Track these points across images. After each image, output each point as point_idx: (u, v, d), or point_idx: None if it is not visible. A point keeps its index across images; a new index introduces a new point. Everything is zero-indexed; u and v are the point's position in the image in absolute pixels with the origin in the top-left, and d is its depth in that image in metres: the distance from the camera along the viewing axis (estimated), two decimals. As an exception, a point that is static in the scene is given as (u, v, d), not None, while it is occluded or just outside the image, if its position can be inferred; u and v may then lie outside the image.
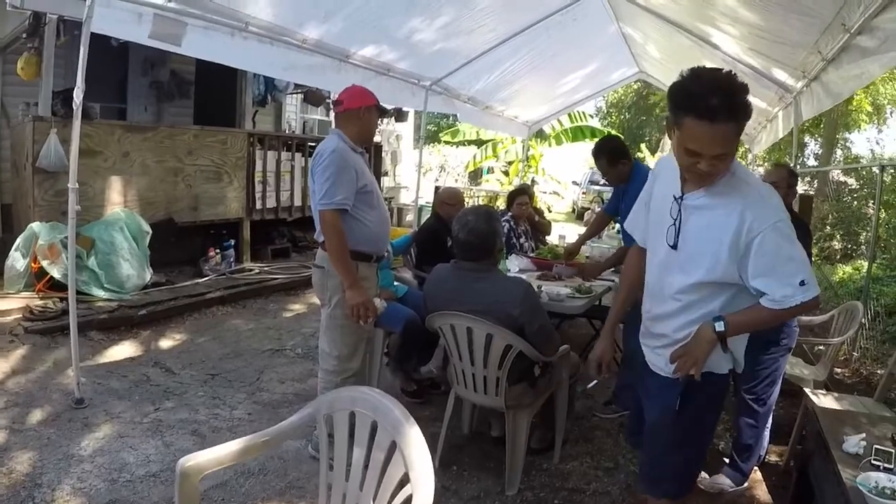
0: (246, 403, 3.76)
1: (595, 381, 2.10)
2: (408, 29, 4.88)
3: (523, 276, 4.03)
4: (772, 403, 3.04)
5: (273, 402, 3.81)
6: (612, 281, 4.26)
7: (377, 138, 10.25)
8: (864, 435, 2.05)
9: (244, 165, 7.10)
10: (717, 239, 1.70)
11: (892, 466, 1.91)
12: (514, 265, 4.39)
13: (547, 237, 5.98)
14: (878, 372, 5.13)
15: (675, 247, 1.80)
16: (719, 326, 1.76)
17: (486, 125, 8.51)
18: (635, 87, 23.77)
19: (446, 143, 15.49)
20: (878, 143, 16.81)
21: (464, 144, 15.30)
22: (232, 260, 6.75)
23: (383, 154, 9.72)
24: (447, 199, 4.47)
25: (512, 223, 5.08)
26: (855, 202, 11.20)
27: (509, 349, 2.68)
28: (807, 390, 3.21)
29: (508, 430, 2.87)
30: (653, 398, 2.00)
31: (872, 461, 1.93)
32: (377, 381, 3.75)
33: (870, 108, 14.80)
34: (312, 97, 9.05)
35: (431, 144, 20.57)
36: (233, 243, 6.83)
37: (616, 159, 3.61)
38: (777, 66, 4.56)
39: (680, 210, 1.78)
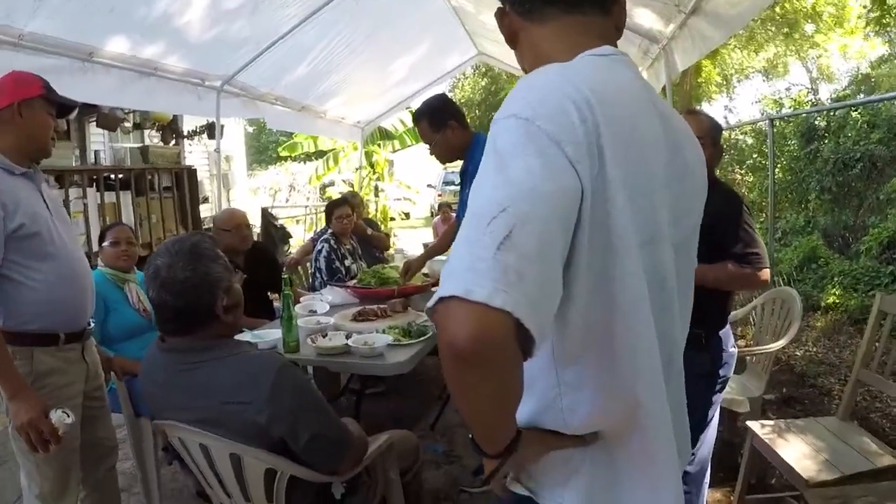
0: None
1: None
2: (161, 10, 3.82)
3: (331, 319, 2.79)
4: (706, 458, 2.13)
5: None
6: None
7: (193, 160, 8.98)
8: None
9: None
10: None
11: None
12: (323, 303, 3.21)
13: (387, 253, 5.02)
14: (797, 354, 4.50)
15: None
16: None
17: (308, 130, 7.44)
18: (483, 83, 23.73)
19: (290, 158, 14.27)
20: (731, 110, 17.24)
21: (310, 158, 14.16)
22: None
23: (200, 179, 8.46)
24: (222, 225, 3.33)
25: (332, 242, 4.02)
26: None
27: (275, 475, 1.59)
28: (750, 424, 2.40)
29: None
30: None
31: None
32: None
33: (719, 79, 15.55)
34: (105, 120, 7.50)
35: (278, 163, 19.22)
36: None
37: (440, 122, 2.61)
38: (640, 6, 3.72)
39: None
